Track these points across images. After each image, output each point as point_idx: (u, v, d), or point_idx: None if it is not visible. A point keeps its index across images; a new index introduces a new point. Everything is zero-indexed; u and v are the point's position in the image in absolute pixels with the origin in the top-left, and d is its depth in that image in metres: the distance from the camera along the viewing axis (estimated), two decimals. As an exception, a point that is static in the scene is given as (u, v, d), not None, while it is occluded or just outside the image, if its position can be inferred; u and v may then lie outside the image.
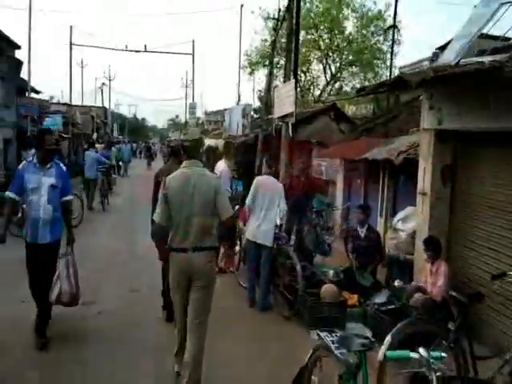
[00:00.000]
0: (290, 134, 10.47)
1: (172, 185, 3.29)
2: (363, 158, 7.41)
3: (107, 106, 47.26)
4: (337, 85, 22.87)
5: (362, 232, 5.95)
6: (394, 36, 13.13)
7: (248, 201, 5.61)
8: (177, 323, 3.54)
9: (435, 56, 4.12)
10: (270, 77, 13.43)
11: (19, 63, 16.88)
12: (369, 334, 3.91)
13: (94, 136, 32.29)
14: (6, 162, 16.06)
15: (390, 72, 12.76)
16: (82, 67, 47.14)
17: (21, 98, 17.12)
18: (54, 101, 32.93)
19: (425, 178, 5.07)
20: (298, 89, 23.69)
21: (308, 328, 4.38)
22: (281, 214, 5.63)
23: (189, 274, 3.29)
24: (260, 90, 23.14)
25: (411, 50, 38.75)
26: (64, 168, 4.28)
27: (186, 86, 40.27)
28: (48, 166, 4.10)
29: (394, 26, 12.62)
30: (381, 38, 22.03)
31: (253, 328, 4.98)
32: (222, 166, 7.32)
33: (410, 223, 5.57)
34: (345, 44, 22.32)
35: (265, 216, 5.45)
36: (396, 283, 4.84)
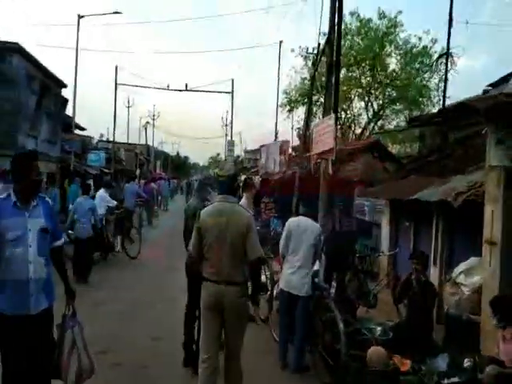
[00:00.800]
0: (330, 172, 9.85)
1: (204, 219, 3.38)
2: (413, 199, 6.62)
3: (150, 144, 48.96)
4: (379, 123, 22.15)
5: (417, 285, 5.11)
6: (447, 64, 12.45)
7: (281, 246, 4.97)
8: (202, 360, 3.40)
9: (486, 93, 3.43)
10: (309, 112, 13.02)
11: (65, 101, 17.55)
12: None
13: (137, 172, 33.19)
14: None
15: (444, 101, 11.98)
16: (129, 107, 49.62)
17: (65, 134, 17.66)
18: (103, 139, 34.20)
19: (493, 224, 4.25)
20: (339, 126, 23.35)
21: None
22: (319, 260, 4.96)
23: (220, 306, 3.31)
24: (299, 128, 22.81)
25: (460, 87, 37.58)
26: (49, 202, 3.12)
27: (226, 125, 41.14)
28: (34, 203, 2.91)
29: (447, 54, 11.95)
30: (426, 75, 21.33)
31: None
32: (242, 200, 6.90)
33: (475, 277, 4.69)
34: (388, 81, 21.75)
35: (300, 262, 4.77)
36: (466, 363, 3.94)
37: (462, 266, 4.88)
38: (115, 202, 10.26)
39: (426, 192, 6.53)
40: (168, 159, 65.76)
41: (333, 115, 9.00)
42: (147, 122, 49.23)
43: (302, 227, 4.87)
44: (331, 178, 9.98)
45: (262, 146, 15.91)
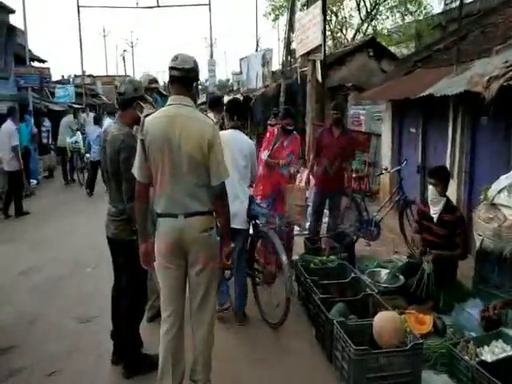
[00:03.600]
0: (319, 77, 8.11)
1: (150, 127, 2.38)
2: (421, 98, 5.03)
3: (132, 75, 45.88)
4: (373, 23, 19.54)
5: (436, 212, 3.73)
6: None
7: None
8: (166, 328, 2.48)
9: None
10: (292, 11, 10.76)
11: (11, 28, 15.10)
12: None
13: (118, 105, 31.07)
14: None
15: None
16: (105, 36, 45.77)
17: (18, 67, 15.47)
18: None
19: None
20: (328, 32, 20.81)
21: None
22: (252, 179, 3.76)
23: (181, 247, 2.41)
24: (285, 38, 20.30)
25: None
26: None
27: (212, 46, 37.67)
28: None
29: None
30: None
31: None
32: None
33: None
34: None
35: (235, 188, 3.47)
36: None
37: (502, 182, 3.44)
38: None
39: (441, 85, 4.92)
40: (154, 90, 62.45)
41: (319, 2, 7.09)
42: (124, 51, 45.79)
43: (234, 142, 3.57)
44: (320, 85, 8.32)
45: (241, 59, 13.75)
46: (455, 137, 5.14)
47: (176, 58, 2.40)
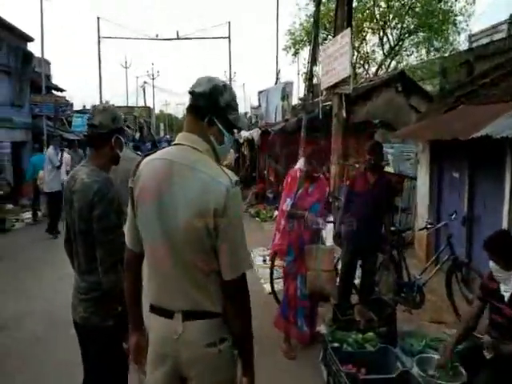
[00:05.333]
0: (344, 114, 7.45)
1: (142, 174, 1.58)
2: (475, 139, 4.24)
3: (151, 106, 46.46)
4: (396, 58, 19.10)
5: (508, 289, 2.86)
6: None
7: None
8: None
9: None
10: (314, 49, 10.25)
11: (28, 56, 15.05)
12: None
13: (137, 135, 31.20)
14: (20, 166, 14.37)
15: None
16: (127, 67, 46.82)
17: (34, 96, 15.33)
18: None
19: None
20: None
21: None
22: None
23: (177, 370, 1.57)
24: (306, 73, 20.02)
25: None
26: None
27: (230, 79, 37.99)
28: None
29: None
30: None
31: None
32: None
33: None
34: (406, 9, 18.53)
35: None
36: None
37: None
38: None
39: (499, 125, 4.14)
40: (173, 121, 63.30)
41: (347, 30, 6.50)
42: (145, 82, 46.62)
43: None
44: (346, 121, 7.64)
45: (260, 92, 13.27)
46: (515, 188, 4.30)
47: (196, 80, 1.66)
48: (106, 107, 2.21)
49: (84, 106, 31.44)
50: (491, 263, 2.89)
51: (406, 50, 18.99)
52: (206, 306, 1.55)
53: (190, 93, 1.60)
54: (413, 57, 19.54)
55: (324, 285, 3.64)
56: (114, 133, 2.15)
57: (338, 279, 4.15)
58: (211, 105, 1.58)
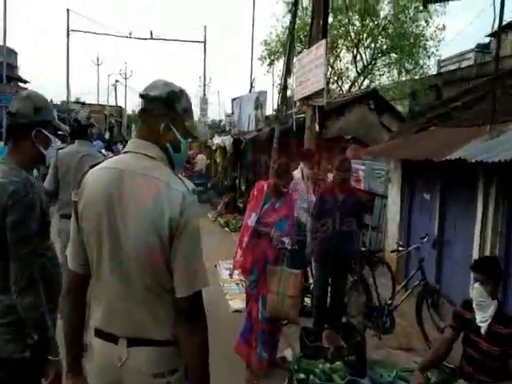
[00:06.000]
0: (317, 127, 7.33)
1: (87, 186, 1.43)
2: (448, 161, 4.17)
3: (123, 106, 45.42)
4: (369, 77, 19.45)
5: (485, 319, 2.73)
6: None
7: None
8: None
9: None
10: (288, 60, 10.13)
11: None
12: None
13: (107, 135, 30.25)
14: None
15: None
16: (98, 64, 45.59)
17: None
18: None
19: None
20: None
21: None
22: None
23: None
24: (280, 83, 20.03)
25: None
26: None
27: (205, 85, 37.58)
28: None
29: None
30: (423, 23, 18.59)
31: None
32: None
33: None
34: (379, 29, 18.96)
35: None
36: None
37: None
38: None
39: (473, 149, 4.09)
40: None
41: (323, 42, 6.39)
42: (117, 81, 45.49)
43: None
44: (318, 134, 7.53)
45: (233, 100, 13.08)
46: (486, 213, 4.25)
47: (150, 83, 1.51)
48: (30, 95, 1.88)
49: (51, 101, 30.30)
50: (476, 286, 2.74)
51: (378, 70, 19.39)
52: (155, 332, 1.41)
53: (143, 96, 1.46)
54: (384, 77, 19.99)
55: (288, 311, 3.40)
56: (35, 125, 1.83)
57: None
58: (168, 110, 1.45)
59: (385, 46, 19.15)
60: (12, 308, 1.73)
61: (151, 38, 21.57)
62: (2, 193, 1.70)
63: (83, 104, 32.84)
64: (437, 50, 19.04)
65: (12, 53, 27.49)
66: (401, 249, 4.50)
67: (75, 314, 1.53)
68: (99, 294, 1.46)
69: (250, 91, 13.77)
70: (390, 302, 4.23)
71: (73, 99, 34.00)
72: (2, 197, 1.69)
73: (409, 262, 5.30)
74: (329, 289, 4.12)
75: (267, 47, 21.69)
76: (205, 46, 21.90)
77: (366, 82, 20.21)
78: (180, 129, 1.49)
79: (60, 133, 2.45)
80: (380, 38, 19.14)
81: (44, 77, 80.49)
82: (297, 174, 4.97)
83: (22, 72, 24.58)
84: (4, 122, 14.21)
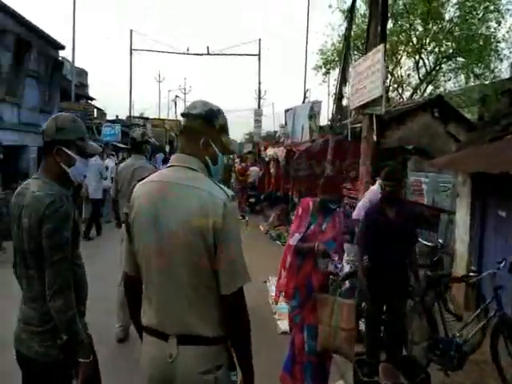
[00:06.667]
0: (374, 137, 6.88)
1: (137, 198, 1.64)
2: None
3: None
4: (434, 83, 18.35)
5: None
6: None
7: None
8: None
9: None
10: (346, 60, 9.69)
11: (58, 63, 15.19)
12: None
13: (167, 148, 31.23)
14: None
15: None
16: (160, 81, 47.66)
17: (63, 103, 15.43)
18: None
19: None
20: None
21: None
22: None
23: None
24: (335, 93, 19.58)
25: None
26: None
27: (259, 97, 37.97)
28: None
29: None
30: (493, 23, 17.30)
31: None
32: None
33: None
34: (444, 33, 17.89)
35: None
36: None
37: None
38: None
39: None
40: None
41: (381, 46, 5.97)
42: (176, 96, 47.25)
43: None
44: (376, 145, 7.07)
45: (287, 111, 12.85)
46: None
47: (190, 103, 1.73)
48: (58, 116, 2.05)
49: (117, 116, 32.02)
50: None
51: (443, 76, 18.24)
52: (202, 330, 1.55)
53: (185, 115, 1.65)
54: (450, 82, 18.80)
55: (341, 345, 3.00)
56: (56, 143, 1.95)
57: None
58: (207, 127, 1.63)
59: (450, 50, 18.05)
60: (49, 315, 1.85)
61: (208, 54, 22.05)
62: (39, 204, 1.84)
63: (146, 119, 34.28)
64: (510, 53, 17.67)
65: (83, 72, 29.43)
66: (472, 274, 3.93)
67: (133, 309, 1.75)
68: (150, 295, 1.61)
69: (304, 102, 13.47)
70: (459, 333, 3.68)
71: (137, 114, 35.67)
72: (39, 208, 1.83)
73: (482, 288, 4.66)
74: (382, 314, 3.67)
75: (322, 56, 21.35)
76: (259, 58, 21.97)
77: (429, 88, 19.17)
78: (217, 144, 1.67)
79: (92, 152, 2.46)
80: (445, 41, 18.07)
81: (111, 94, 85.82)
82: (375, 188, 4.52)
83: (92, 90, 26.29)
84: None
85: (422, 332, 3.88)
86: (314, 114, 11.05)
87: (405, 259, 3.63)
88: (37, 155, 13.70)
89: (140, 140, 4.40)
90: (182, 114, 1.66)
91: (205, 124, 1.62)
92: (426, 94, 18.15)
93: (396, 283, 3.53)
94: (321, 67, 21.37)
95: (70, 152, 1.96)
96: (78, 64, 17.33)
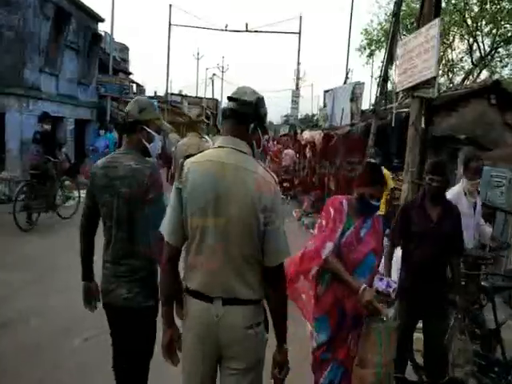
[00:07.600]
0: (423, 124, 6.24)
1: (191, 176, 1.78)
2: None
3: (219, 98, 46.72)
4: (489, 68, 17.05)
5: None
6: None
7: None
8: None
9: None
10: (390, 50, 8.96)
11: (97, 36, 15.10)
12: None
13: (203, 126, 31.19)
14: (83, 144, 14.48)
15: None
16: (198, 59, 47.43)
17: (101, 76, 15.39)
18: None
19: None
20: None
21: None
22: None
23: (214, 343, 1.81)
24: (380, 75, 18.59)
25: None
26: None
27: (298, 77, 36.88)
28: None
29: None
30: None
31: None
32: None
33: None
34: (503, 13, 16.46)
35: None
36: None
37: None
38: None
39: None
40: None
41: (436, 21, 5.30)
42: (214, 74, 46.87)
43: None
44: (423, 132, 6.43)
45: (326, 92, 12.19)
46: None
47: (237, 89, 1.90)
48: (138, 99, 2.39)
49: (155, 93, 32.07)
50: None
51: (500, 61, 16.90)
52: (245, 293, 1.78)
53: (234, 99, 1.81)
54: (507, 68, 17.44)
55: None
56: (138, 123, 2.25)
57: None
58: (256, 114, 1.83)
59: (509, 34, 16.63)
60: (140, 269, 2.21)
61: (246, 31, 21.45)
62: (141, 175, 2.17)
63: (184, 96, 34.27)
64: None
65: (124, 48, 29.51)
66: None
67: (171, 277, 1.87)
68: (198, 263, 1.79)
69: (345, 83, 12.73)
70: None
71: (176, 91, 35.66)
72: (142, 178, 2.16)
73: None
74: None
75: (367, 36, 20.32)
76: (299, 36, 21.13)
77: (484, 74, 17.84)
78: (262, 130, 1.89)
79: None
80: (503, 23, 16.66)
81: (151, 70, 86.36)
82: (457, 188, 3.89)
83: (132, 66, 26.48)
84: (109, 110, 15.09)
85: (466, 354, 3.34)
86: (355, 97, 10.39)
87: (443, 270, 3.10)
88: (74, 127, 13.77)
89: (195, 120, 4.97)
90: (231, 98, 1.81)
91: (253, 111, 1.81)
92: (479, 80, 16.90)
93: (435, 295, 3.01)
94: (365, 48, 20.39)
95: (150, 130, 2.28)
96: (116, 38, 17.32)
